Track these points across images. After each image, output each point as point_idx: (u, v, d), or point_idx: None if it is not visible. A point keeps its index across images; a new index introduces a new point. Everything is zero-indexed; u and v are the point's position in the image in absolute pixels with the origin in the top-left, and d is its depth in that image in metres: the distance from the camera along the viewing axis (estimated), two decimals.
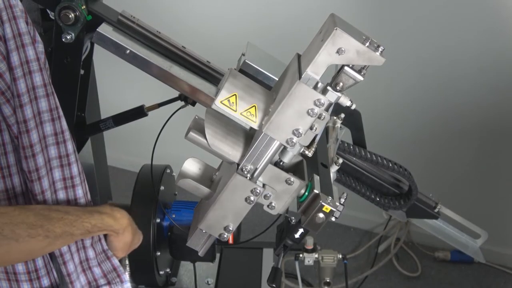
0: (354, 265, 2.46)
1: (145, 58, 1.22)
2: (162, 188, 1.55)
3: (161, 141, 1.49)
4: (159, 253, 1.54)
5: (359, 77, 0.86)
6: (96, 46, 1.33)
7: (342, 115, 1.18)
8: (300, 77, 0.86)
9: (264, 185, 0.92)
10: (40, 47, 0.98)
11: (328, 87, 0.87)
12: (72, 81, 1.28)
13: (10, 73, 0.91)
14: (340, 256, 1.69)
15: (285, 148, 0.92)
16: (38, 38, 0.98)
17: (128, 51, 1.21)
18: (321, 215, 0.91)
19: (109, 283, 1.05)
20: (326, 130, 1.17)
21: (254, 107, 0.91)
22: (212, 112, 0.94)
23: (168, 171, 1.64)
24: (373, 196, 1.38)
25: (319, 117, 0.86)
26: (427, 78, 2.26)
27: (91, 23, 1.22)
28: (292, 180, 0.92)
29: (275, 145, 0.89)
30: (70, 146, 1.00)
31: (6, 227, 0.85)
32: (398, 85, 2.32)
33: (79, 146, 1.46)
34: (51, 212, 0.92)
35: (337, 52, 0.83)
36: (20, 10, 0.93)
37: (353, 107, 0.90)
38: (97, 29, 1.21)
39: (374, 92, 2.14)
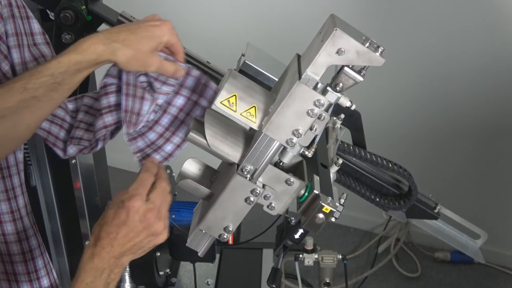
0: (354, 266, 2.46)
1: None
2: None
3: None
4: (158, 254, 1.54)
5: (359, 78, 0.86)
6: None
7: (342, 116, 1.17)
8: (300, 78, 0.86)
9: (264, 186, 0.92)
10: (39, 38, 0.99)
11: (328, 88, 0.87)
12: None
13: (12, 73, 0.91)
14: (340, 256, 1.69)
15: (285, 148, 0.92)
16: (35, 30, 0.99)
17: None
18: (321, 215, 0.91)
19: None
20: (326, 131, 1.16)
21: (254, 108, 0.91)
22: (212, 113, 0.94)
23: (168, 171, 1.63)
24: (373, 197, 1.38)
25: (319, 118, 0.86)
26: (427, 78, 2.26)
27: (91, 23, 1.21)
28: (292, 180, 0.92)
29: (275, 145, 0.88)
30: None
31: None
32: (398, 85, 2.32)
33: None
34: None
35: (337, 52, 0.83)
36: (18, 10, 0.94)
37: (353, 107, 0.90)
38: (97, 30, 1.21)
39: (374, 93, 2.14)
